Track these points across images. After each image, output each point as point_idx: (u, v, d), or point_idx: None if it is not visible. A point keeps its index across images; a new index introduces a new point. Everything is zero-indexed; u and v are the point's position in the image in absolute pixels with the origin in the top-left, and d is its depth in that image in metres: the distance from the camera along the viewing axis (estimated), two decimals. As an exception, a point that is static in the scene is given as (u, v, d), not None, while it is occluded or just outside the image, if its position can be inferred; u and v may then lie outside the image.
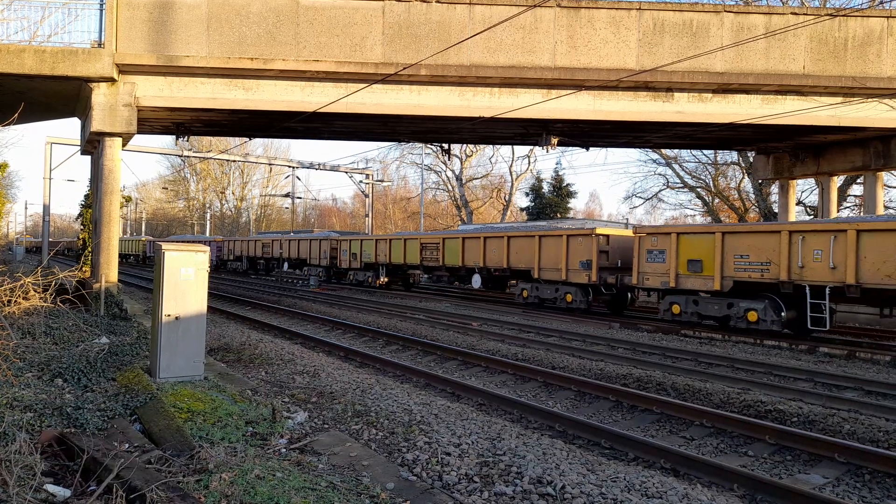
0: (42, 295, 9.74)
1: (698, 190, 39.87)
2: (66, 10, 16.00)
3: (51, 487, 4.13)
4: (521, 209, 51.12)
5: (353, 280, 31.56)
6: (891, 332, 16.36)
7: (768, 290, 14.67)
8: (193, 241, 34.34)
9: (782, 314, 14.31)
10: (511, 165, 51.36)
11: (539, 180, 48.36)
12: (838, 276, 13.20)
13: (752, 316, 14.65)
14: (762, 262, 14.47)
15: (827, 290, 13.33)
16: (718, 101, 16.39)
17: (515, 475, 5.17)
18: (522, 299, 21.26)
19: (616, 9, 15.85)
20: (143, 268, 51.06)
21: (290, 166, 47.33)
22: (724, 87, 16.12)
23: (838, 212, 25.70)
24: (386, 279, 29.17)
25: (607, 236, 18.89)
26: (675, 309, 16.22)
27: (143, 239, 60.67)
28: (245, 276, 42.88)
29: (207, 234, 64.86)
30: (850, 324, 17.87)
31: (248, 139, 41.78)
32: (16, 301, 9.33)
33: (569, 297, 19.45)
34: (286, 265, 38.62)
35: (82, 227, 23.67)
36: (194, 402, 6.31)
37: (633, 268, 17.39)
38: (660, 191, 41.30)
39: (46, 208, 34.86)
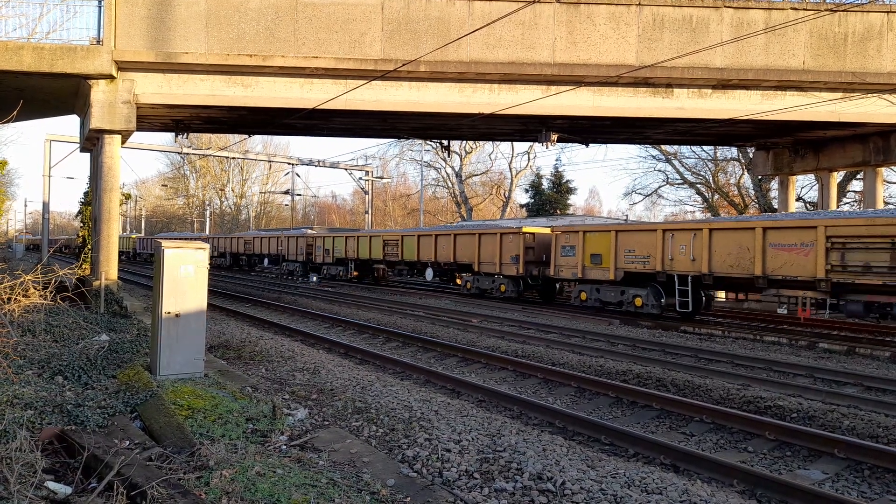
0: (42, 292, 9.73)
1: (698, 186, 39.88)
2: (65, 6, 15.97)
3: (52, 485, 4.13)
4: (521, 206, 51.12)
5: (327, 274, 33.54)
6: (891, 328, 16.36)
7: (650, 279, 17.07)
8: (180, 239, 35.76)
9: (662, 300, 16.81)
10: (511, 162, 51.37)
11: (539, 177, 48.38)
12: (697, 267, 15.72)
13: (638, 301, 17.28)
14: (644, 256, 16.97)
15: (689, 278, 15.86)
16: (718, 96, 16.38)
17: (515, 471, 5.18)
18: (466, 290, 23.89)
19: (616, 4, 15.83)
20: (134, 264, 51.66)
21: (289, 163, 47.30)
22: (724, 83, 16.11)
23: (838, 207, 25.69)
24: (356, 273, 31.15)
25: (533, 234, 21.34)
26: (583, 296, 18.82)
27: (133, 237, 60.82)
28: (229, 270, 44.45)
29: (207, 231, 64.94)
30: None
31: (247, 136, 41.77)
32: (16, 299, 9.32)
33: (502, 287, 22.10)
34: (266, 261, 40.60)
35: (82, 224, 23.68)
36: (195, 400, 6.32)
37: (550, 261, 19.98)
38: (659, 187, 41.34)
39: (46, 206, 34.84)
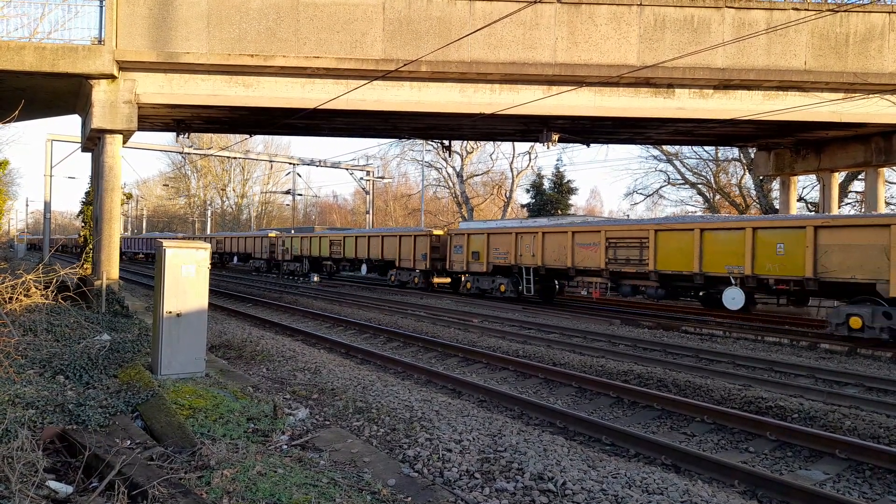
0: (43, 292, 9.75)
1: (699, 186, 39.84)
2: (66, 6, 15.99)
3: (53, 484, 4.14)
4: (522, 206, 51.08)
5: (286, 270, 37.31)
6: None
7: (510, 270, 21.99)
8: (163, 239, 42.98)
9: (519, 287, 21.51)
10: (512, 162, 51.32)
11: (540, 177, 48.30)
12: (536, 261, 20.50)
13: (503, 288, 22.28)
14: (505, 253, 21.88)
15: (532, 270, 20.82)
16: (719, 96, 16.37)
17: (516, 471, 5.18)
18: (391, 282, 28.73)
19: (617, 4, 15.82)
20: (136, 264, 52.50)
21: (290, 163, 47.32)
22: (726, 83, 16.09)
23: (839, 208, 25.67)
24: (309, 268, 35.38)
25: (438, 236, 26.12)
26: (468, 285, 23.96)
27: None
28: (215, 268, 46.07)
29: (208, 230, 65.08)
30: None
31: (248, 136, 42.26)
32: (17, 298, 9.34)
33: (416, 280, 27.04)
34: (235, 259, 45.13)
35: (83, 224, 23.69)
36: (196, 399, 6.32)
37: (447, 257, 24.76)
38: (661, 187, 41.31)
39: (47, 205, 34.88)
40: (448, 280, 26.06)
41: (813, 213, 32.20)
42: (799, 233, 13.90)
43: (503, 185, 55.07)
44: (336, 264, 33.32)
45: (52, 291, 9.96)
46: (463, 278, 24.25)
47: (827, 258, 13.42)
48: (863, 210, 26.92)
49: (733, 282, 15.03)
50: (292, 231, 41.36)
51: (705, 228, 15.74)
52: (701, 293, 17.73)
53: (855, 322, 12.99)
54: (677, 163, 38.75)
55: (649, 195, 42.02)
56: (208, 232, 63.28)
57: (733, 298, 15.00)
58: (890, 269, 12.44)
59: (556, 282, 22.03)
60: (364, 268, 30.45)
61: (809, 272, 13.60)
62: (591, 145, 22.24)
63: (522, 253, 20.96)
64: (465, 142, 47.45)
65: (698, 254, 15.71)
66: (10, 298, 9.28)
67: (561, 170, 47.58)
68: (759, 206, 36.00)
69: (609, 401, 8.60)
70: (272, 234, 40.90)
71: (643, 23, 15.86)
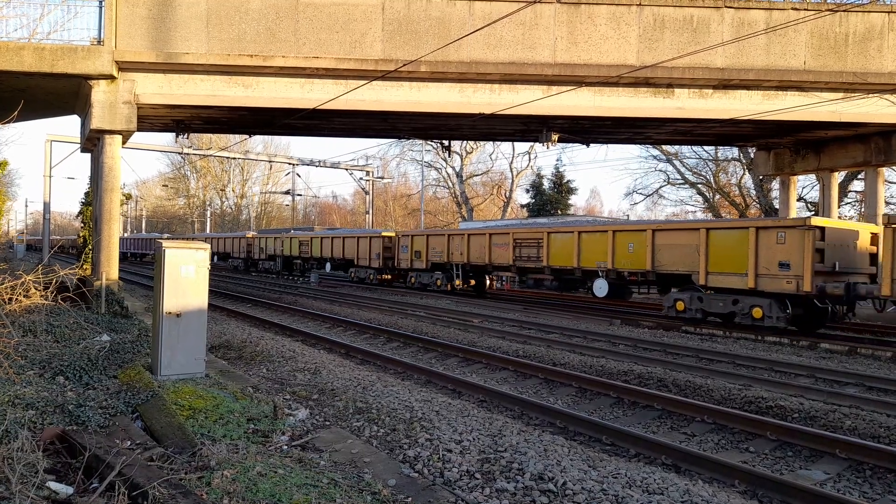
0: (43, 293, 9.73)
1: (699, 186, 39.85)
2: (66, 7, 15.98)
3: (53, 485, 4.13)
4: (522, 206, 51.08)
5: (262, 268, 40.93)
6: (892, 328, 16.36)
7: (445, 267, 25.28)
8: (147, 240, 49.31)
9: (452, 280, 24.79)
10: (511, 162, 51.34)
11: (540, 177, 48.31)
12: (464, 259, 23.98)
13: (439, 282, 25.73)
14: (440, 252, 25.15)
15: (460, 265, 24.41)
16: (719, 96, 16.37)
17: (517, 472, 5.18)
18: (351, 279, 31.86)
19: (616, 4, 15.82)
20: (135, 264, 52.48)
21: (290, 163, 47.32)
22: (725, 83, 16.09)
23: (839, 207, 25.68)
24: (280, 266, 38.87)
25: (390, 237, 29.20)
26: (412, 280, 27.46)
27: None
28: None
29: (208, 230, 65.11)
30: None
31: (248, 136, 42.70)
32: (17, 299, 9.33)
33: (370, 276, 30.50)
34: (216, 258, 46.48)
35: (83, 224, 23.67)
36: (196, 400, 6.31)
37: (395, 256, 28.19)
38: (660, 187, 41.30)
39: (47, 206, 34.85)
40: (390, 277, 30.03)
41: (813, 212, 32.21)
42: (642, 234, 17.14)
43: (503, 185, 55.10)
44: (305, 262, 36.86)
45: (52, 292, 9.94)
46: (409, 274, 27.75)
47: (661, 255, 16.65)
48: (863, 210, 26.91)
49: (601, 274, 18.35)
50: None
51: (581, 231, 19.31)
52: (587, 285, 21.12)
53: (679, 305, 16.24)
54: (677, 162, 38.78)
55: (649, 195, 42.06)
56: (208, 232, 63.38)
57: (600, 288, 18.45)
58: (699, 263, 15.53)
59: (486, 276, 25.90)
60: (328, 266, 33.81)
61: (649, 266, 16.85)
62: (591, 145, 22.26)
63: (453, 252, 24.39)
64: (465, 142, 47.46)
65: (577, 252, 19.00)
66: (10, 299, 9.27)
67: (561, 170, 47.63)
68: (758, 205, 36.01)
69: (609, 401, 8.60)
70: (250, 234, 44.53)
71: (642, 23, 15.86)
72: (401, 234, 28.19)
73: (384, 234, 29.56)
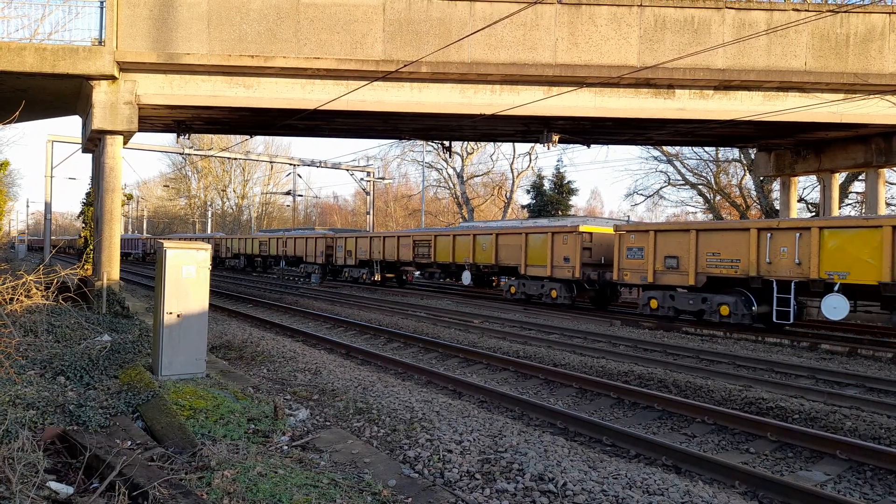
0: (44, 293, 9.73)
1: (700, 187, 39.82)
2: (67, 7, 16.00)
3: (53, 485, 4.14)
4: (523, 206, 51.06)
5: (229, 266, 44.79)
6: (893, 330, 16.33)
7: (369, 264, 29.63)
8: (131, 240, 56.11)
9: (373, 275, 28.99)
10: (512, 163, 51.34)
11: (540, 178, 48.26)
12: (381, 256, 28.35)
13: (364, 276, 29.97)
14: (365, 251, 29.63)
15: (378, 262, 28.71)
16: (720, 97, 16.37)
17: (517, 472, 5.18)
18: (300, 273, 35.12)
19: (617, 5, 15.82)
20: (136, 265, 52.75)
21: (291, 164, 47.33)
22: (726, 84, 16.10)
23: (840, 208, 25.66)
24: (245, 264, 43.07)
25: (331, 237, 32.87)
26: (345, 275, 31.84)
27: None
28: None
29: (209, 230, 65.17)
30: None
31: (249, 137, 43.00)
32: (18, 299, 9.33)
33: (316, 271, 33.31)
34: None
35: (84, 225, 23.68)
36: (196, 400, 6.32)
37: (334, 254, 32.22)
38: (661, 188, 41.28)
39: (48, 206, 34.90)
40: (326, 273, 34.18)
41: (813, 214, 32.19)
42: (490, 237, 22.62)
43: (504, 185, 55.08)
44: (265, 260, 41.10)
45: (53, 292, 9.94)
46: (343, 270, 31.88)
47: (503, 252, 22.06)
48: (863, 211, 26.89)
49: (467, 268, 23.84)
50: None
51: (456, 234, 24.59)
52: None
53: (512, 289, 21.85)
54: (678, 163, 38.77)
55: (650, 196, 42.05)
56: (209, 232, 63.59)
57: (466, 277, 24.20)
58: (521, 258, 21.03)
59: (396, 270, 29.84)
60: (282, 263, 37.29)
61: (495, 261, 22.30)
62: (592, 146, 22.33)
63: (374, 251, 29.05)
64: (466, 142, 47.49)
65: (451, 250, 24.41)
66: (11, 299, 9.28)
67: (561, 170, 47.56)
68: (759, 206, 35.99)
69: (610, 401, 8.60)
70: (217, 236, 49.97)
71: (643, 23, 15.87)
72: (336, 236, 32.80)
73: (326, 235, 33.74)
